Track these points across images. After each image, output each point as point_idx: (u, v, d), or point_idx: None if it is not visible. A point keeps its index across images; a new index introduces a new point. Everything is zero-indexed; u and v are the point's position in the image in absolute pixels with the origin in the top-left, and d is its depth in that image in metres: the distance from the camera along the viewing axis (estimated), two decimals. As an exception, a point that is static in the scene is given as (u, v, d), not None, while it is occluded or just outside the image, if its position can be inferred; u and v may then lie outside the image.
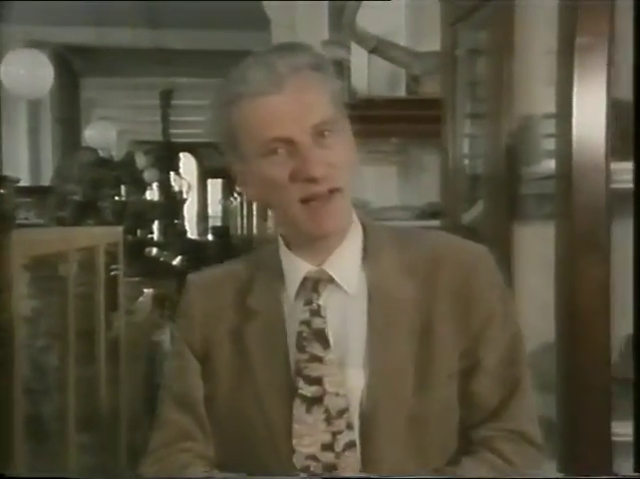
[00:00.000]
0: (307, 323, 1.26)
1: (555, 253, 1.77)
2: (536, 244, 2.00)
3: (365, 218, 1.34)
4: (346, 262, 1.28)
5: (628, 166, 1.72)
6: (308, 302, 1.27)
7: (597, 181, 1.68)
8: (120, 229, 4.27)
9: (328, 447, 1.22)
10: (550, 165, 1.81)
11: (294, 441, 1.23)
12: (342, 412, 1.23)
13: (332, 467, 1.22)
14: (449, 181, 2.53)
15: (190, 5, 8.32)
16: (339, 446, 1.22)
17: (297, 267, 1.29)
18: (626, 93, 1.85)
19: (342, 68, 3.46)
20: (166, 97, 14.15)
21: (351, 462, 1.22)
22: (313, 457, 1.22)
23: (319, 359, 1.25)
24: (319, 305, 1.27)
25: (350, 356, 1.25)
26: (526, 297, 2.06)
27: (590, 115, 1.67)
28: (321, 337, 1.26)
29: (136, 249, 8.26)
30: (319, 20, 3.86)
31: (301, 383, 1.24)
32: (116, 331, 3.69)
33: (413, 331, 1.24)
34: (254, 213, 9.25)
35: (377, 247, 1.29)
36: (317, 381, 1.24)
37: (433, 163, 3.18)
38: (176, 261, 11.96)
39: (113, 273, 3.81)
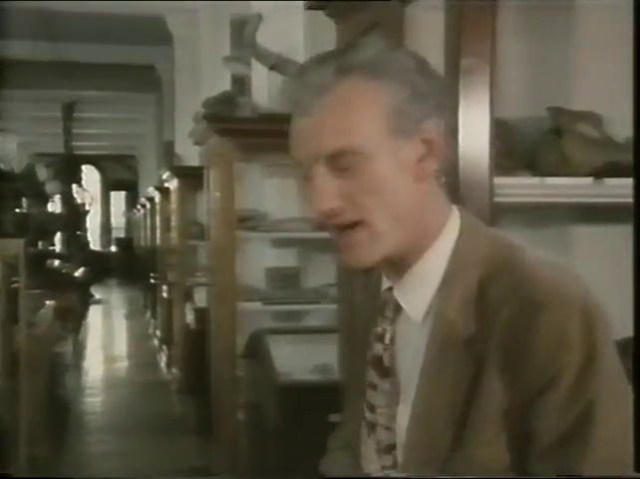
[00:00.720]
0: (370, 347, 1.19)
1: (444, 263, 1.85)
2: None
3: (472, 227, 1.14)
4: (418, 287, 1.12)
5: (511, 181, 1.83)
6: (376, 324, 1.19)
7: (482, 195, 1.76)
8: (21, 241, 4.21)
9: None
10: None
11: (362, 462, 1.20)
12: (390, 448, 1.15)
13: None
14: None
15: (93, 18, 8.23)
16: None
17: (381, 284, 1.20)
18: (509, 112, 1.97)
19: (243, 84, 3.51)
20: (69, 109, 13.92)
21: None
22: None
23: (374, 387, 1.17)
24: (384, 329, 1.17)
25: (405, 391, 1.14)
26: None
27: (474, 133, 1.74)
28: (377, 364, 1.17)
29: (37, 261, 8.09)
30: (221, 36, 3.90)
31: (365, 406, 1.19)
32: (17, 344, 3.62)
33: (462, 379, 1.06)
34: (158, 224, 9.17)
35: (461, 273, 1.09)
36: (372, 409, 1.17)
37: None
38: (79, 273, 11.75)
39: (13, 286, 3.75)
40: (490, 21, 1.72)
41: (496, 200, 1.78)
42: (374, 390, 1.17)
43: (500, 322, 1.03)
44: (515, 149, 1.94)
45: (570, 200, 1.92)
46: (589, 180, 1.84)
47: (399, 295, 1.14)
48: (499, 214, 1.78)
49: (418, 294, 1.12)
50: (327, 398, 2.96)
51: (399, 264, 1.12)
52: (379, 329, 1.17)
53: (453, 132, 1.75)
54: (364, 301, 1.28)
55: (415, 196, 1.08)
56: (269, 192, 4.31)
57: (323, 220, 1.08)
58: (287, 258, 4.38)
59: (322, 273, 4.15)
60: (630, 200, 1.90)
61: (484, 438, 1.04)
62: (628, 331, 1.64)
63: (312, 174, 1.07)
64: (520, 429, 1.02)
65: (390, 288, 1.16)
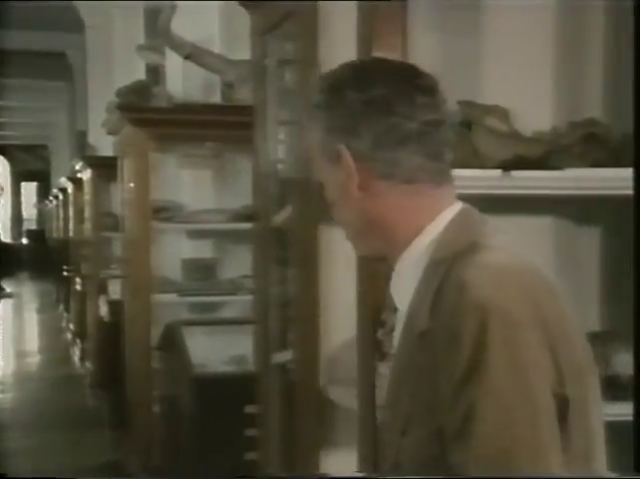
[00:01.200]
0: (375, 332, 1.32)
1: (356, 255, 1.87)
2: (342, 246, 2.09)
3: (459, 225, 1.20)
4: (401, 279, 1.22)
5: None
6: (381, 312, 1.34)
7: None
8: None
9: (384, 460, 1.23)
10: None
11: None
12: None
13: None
14: (260, 184, 2.60)
15: (2, 5, 7.97)
16: (385, 466, 1.21)
17: None
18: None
19: (158, 73, 3.47)
20: (-23, 98, 13.46)
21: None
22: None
23: (374, 369, 1.31)
24: (386, 316, 1.32)
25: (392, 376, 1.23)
26: (331, 296, 2.17)
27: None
28: (377, 349, 1.34)
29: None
30: (135, 24, 3.84)
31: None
32: None
33: (411, 374, 1.15)
34: (71, 215, 8.98)
35: (431, 269, 1.17)
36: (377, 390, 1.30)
37: (247, 167, 3.24)
38: (-11, 266, 11.42)
39: None
40: (402, 15, 1.74)
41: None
42: (374, 372, 1.32)
43: (441, 322, 1.10)
44: (427, 141, 1.97)
45: (479, 191, 1.96)
46: (498, 172, 1.89)
47: (391, 286, 1.25)
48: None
49: (402, 287, 1.21)
50: (243, 389, 2.98)
51: (390, 259, 1.23)
52: (382, 316, 1.33)
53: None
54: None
55: (368, 205, 1.20)
56: (185, 183, 4.27)
57: None
58: (203, 250, 4.35)
59: (238, 265, 4.14)
60: (537, 192, 1.96)
61: (424, 429, 1.11)
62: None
63: None
64: (448, 421, 1.08)
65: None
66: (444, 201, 1.23)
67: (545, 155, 1.94)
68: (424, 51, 2.01)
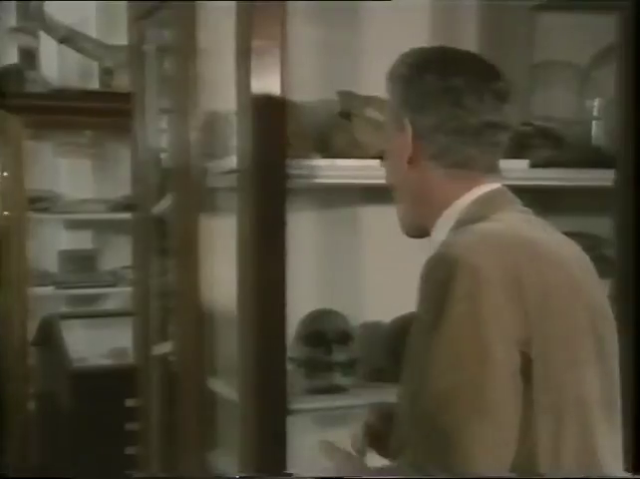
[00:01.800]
0: None
1: (237, 245, 1.86)
2: (224, 236, 2.07)
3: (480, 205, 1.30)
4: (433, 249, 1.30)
5: (304, 162, 1.86)
6: None
7: (275, 176, 1.78)
8: None
9: None
10: (234, 159, 1.90)
11: None
12: None
13: None
14: (139, 174, 2.55)
15: None
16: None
17: None
18: (300, 95, 2.00)
19: (32, 57, 3.34)
20: None
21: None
22: None
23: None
24: None
25: None
26: (214, 287, 2.15)
27: (268, 114, 1.76)
28: None
29: None
30: (6, 5, 3.67)
31: None
32: None
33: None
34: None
35: None
36: None
37: (127, 156, 3.17)
38: None
39: None
40: (281, 5, 1.73)
41: (294, 181, 1.81)
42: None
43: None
44: (306, 131, 1.98)
45: (359, 181, 1.99)
46: (376, 162, 1.91)
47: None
48: (294, 194, 1.81)
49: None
50: (123, 383, 2.92)
51: (428, 228, 1.35)
52: None
53: (246, 112, 1.77)
54: None
55: (411, 174, 1.33)
56: (62, 172, 4.13)
57: None
58: (82, 241, 4.23)
59: (119, 256, 4.04)
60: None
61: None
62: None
63: None
64: None
65: None
66: (480, 182, 1.32)
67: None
68: (304, 41, 2.02)
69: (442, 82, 1.29)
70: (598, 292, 1.29)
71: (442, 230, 1.32)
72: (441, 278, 1.16)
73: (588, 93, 2.15)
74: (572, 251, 1.29)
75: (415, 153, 1.32)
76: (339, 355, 1.95)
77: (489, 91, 1.29)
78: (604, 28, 2.01)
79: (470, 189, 1.32)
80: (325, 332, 1.97)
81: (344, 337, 1.98)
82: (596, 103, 2.10)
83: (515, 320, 1.13)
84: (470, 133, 1.29)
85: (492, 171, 1.33)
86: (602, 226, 2.07)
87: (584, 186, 2.04)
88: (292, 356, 1.88)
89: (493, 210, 1.29)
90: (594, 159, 2.08)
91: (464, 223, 1.28)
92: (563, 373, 1.16)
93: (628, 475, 1.16)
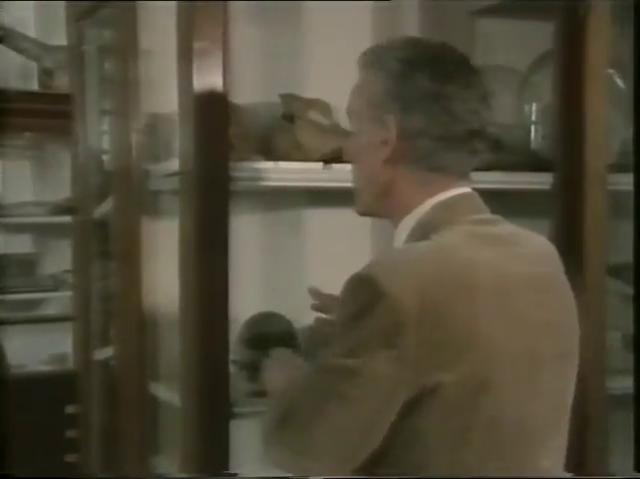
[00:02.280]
0: None
1: (179, 248, 1.84)
2: (166, 239, 2.05)
3: (447, 209, 1.30)
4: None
5: (246, 165, 1.85)
6: None
7: (218, 178, 1.77)
8: None
9: None
10: (177, 162, 1.88)
11: None
12: None
13: None
14: (80, 176, 2.51)
15: None
16: None
17: None
18: (243, 97, 1.99)
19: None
20: None
21: None
22: None
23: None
24: None
25: None
26: (156, 291, 2.13)
27: (210, 115, 1.75)
28: None
29: None
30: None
31: None
32: None
33: None
34: None
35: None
36: None
37: (68, 158, 3.12)
38: None
39: None
40: (222, 6, 1.72)
41: (241, 184, 1.81)
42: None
43: None
44: (249, 133, 1.97)
45: (302, 184, 1.99)
46: (319, 165, 1.91)
47: None
48: (237, 197, 1.80)
49: None
50: (63, 389, 2.87)
51: (391, 222, 1.35)
52: None
53: (188, 114, 1.76)
54: None
55: (383, 173, 1.30)
56: (1, 175, 4.05)
57: None
58: (22, 245, 4.15)
59: (60, 260, 3.98)
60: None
61: None
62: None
63: None
64: None
65: None
66: (449, 187, 1.30)
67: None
68: (246, 43, 2.01)
69: (436, 85, 1.25)
70: (556, 308, 1.27)
71: (400, 236, 1.31)
72: (357, 305, 1.14)
73: (527, 97, 2.18)
74: (526, 268, 1.24)
75: (394, 153, 1.27)
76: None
77: (476, 97, 1.28)
78: (542, 34, 2.05)
79: (436, 193, 1.29)
80: (268, 335, 1.96)
81: (287, 340, 1.98)
82: (534, 107, 2.14)
83: (420, 360, 1.11)
84: (455, 139, 1.26)
85: (464, 176, 1.32)
86: (541, 228, 2.11)
87: (523, 189, 2.08)
88: (235, 359, 1.87)
89: (448, 219, 1.26)
90: (533, 162, 2.11)
91: (416, 233, 1.27)
92: (476, 398, 1.14)
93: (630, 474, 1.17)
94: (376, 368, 1.11)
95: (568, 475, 1.14)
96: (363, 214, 1.40)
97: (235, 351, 1.89)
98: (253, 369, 1.71)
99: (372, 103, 1.29)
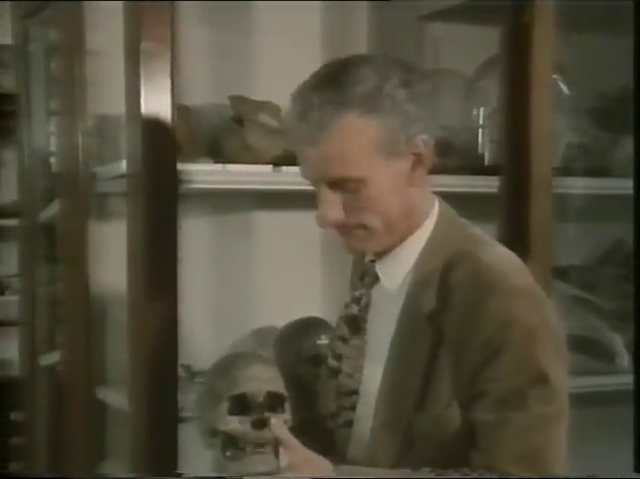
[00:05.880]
0: (346, 307, 1.39)
1: (127, 251, 1.82)
2: (113, 243, 2.03)
3: (447, 220, 1.32)
4: (396, 264, 1.32)
5: (194, 167, 1.84)
6: (354, 289, 1.40)
7: (166, 181, 1.76)
8: None
9: (331, 417, 1.36)
10: (124, 164, 1.86)
11: (319, 400, 1.39)
12: (351, 393, 1.34)
13: (330, 436, 1.35)
14: (26, 178, 2.47)
15: None
16: (340, 421, 1.34)
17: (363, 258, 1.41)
18: (191, 99, 1.98)
19: None
20: None
21: (344, 439, 1.34)
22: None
23: (344, 340, 1.37)
24: (361, 294, 1.37)
25: (375, 349, 1.32)
26: (104, 295, 2.11)
27: (158, 117, 1.74)
28: (351, 322, 1.37)
29: None
30: None
31: (330, 354, 1.40)
32: None
33: (424, 351, 1.24)
34: None
35: (431, 257, 1.29)
36: (338, 358, 1.37)
37: (13, 160, 3.07)
38: None
39: None
40: (169, 7, 1.71)
41: (191, 187, 1.79)
42: (343, 343, 1.38)
43: (457, 302, 1.22)
44: (198, 135, 1.96)
45: (251, 186, 1.98)
46: (269, 167, 1.91)
47: (380, 269, 1.34)
48: (186, 199, 1.79)
49: (395, 271, 1.32)
50: (8, 395, 2.82)
51: (387, 248, 1.32)
52: (357, 293, 1.38)
53: (135, 115, 1.74)
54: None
55: (406, 199, 1.27)
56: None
57: (329, 228, 1.27)
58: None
59: (5, 263, 3.91)
60: (307, 187, 2.00)
61: (442, 402, 1.22)
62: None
63: (321, 193, 1.25)
64: (469, 392, 1.20)
65: (373, 260, 1.36)
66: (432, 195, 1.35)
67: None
68: (194, 43, 2.00)
69: (429, 89, 1.26)
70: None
71: (413, 246, 1.30)
72: (515, 311, 1.19)
73: (474, 102, 2.20)
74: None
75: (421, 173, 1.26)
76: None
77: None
78: (489, 39, 2.07)
79: (433, 203, 1.33)
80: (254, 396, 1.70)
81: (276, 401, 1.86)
82: (482, 111, 2.17)
83: None
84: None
85: None
86: (488, 232, 2.13)
87: (470, 192, 2.10)
88: (183, 364, 1.86)
89: (460, 225, 1.33)
90: (480, 166, 2.14)
91: (442, 243, 1.29)
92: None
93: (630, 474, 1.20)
94: None
95: (563, 475, 1.18)
96: (379, 249, 1.33)
97: (207, 416, 1.32)
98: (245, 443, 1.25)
99: (382, 137, 1.21)
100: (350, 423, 1.34)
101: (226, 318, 2.20)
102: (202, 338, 2.09)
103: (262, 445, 1.21)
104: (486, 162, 2.16)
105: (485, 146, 2.16)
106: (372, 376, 1.31)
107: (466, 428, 1.21)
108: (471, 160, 2.14)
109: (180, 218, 1.76)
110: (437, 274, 1.26)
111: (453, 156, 2.10)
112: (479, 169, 2.12)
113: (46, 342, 2.45)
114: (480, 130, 2.17)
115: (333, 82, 1.21)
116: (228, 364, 1.33)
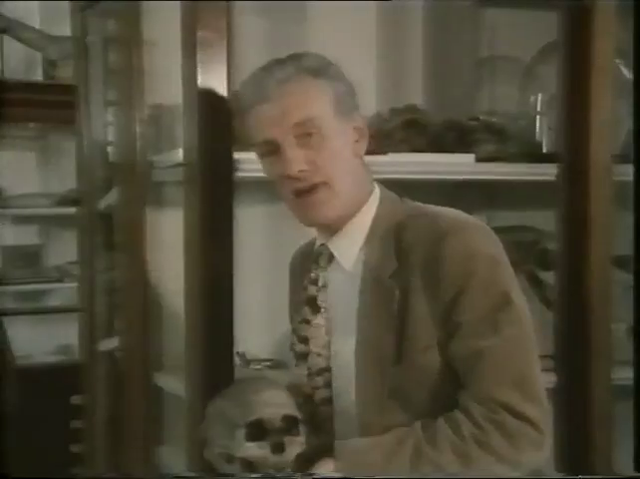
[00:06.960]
0: (305, 289, 1.47)
1: (184, 239, 1.84)
2: (169, 230, 2.05)
3: (389, 198, 1.44)
4: (349, 241, 1.42)
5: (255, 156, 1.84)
6: (310, 271, 1.47)
7: (222, 169, 1.77)
8: None
9: (308, 399, 1.42)
10: (181, 153, 1.88)
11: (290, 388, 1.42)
12: (322, 371, 1.42)
13: (312, 416, 1.40)
14: (84, 167, 2.51)
15: None
16: (317, 400, 1.42)
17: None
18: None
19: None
20: None
21: (325, 415, 1.41)
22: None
23: (308, 322, 1.45)
24: (317, 275, 1.46)
25: (340, 324, 1.41)
26: (161, 282, 2.14)
27: (214, 107, 1.75)
28: (312, 303, 1.45)
29: None
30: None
31: (295, 340, 1.47)
32: None
33: (394, 308, 1.34)
34: None
35: (381, 230, 1.40)
36: (305, 341, 1.45)
37: (73, 149, 3.12)
38: None
39: None
40: (226, -3, 1.72)
41: (242, 175, 1.80)
42: (308, 324, 1.45)
43: (417, 254, 1.34)
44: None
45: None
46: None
47: (333, 249, 1.44)
48: (241, 188, 1.80)
49: (350, 246, 1.42)
50: (69, 380, 2.88)
51: (334, 226, 1.42)
52: (313, 275, 1.47)
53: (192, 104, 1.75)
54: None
55: (355, 167, 1.41)
56: (5, 165, 4.05)
57: (294, 184, 1.36)
58: (27, 236, 4.15)
59: (65, 251, 3.99)
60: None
61: (421, 345, 1.32)
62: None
63: (282, 146, 1.35)
64: (444, 330, 1.31)
65: (323, 244, 1.46)
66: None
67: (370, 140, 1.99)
68: (250, 34, 2.01)
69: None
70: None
71: (360, 223, 1.41)
72: (474, 244, 1.32)
73: (532, 88, 2.17)
74: None
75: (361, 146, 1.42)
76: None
77: None
78: (547, 25, 2.04)
79: (374, 185, 1.46)
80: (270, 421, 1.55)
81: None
82: (539, 98, 2.13)
83: None
84: None
85: None
86: (546, 219, 2.10)
87: (528, 180, 2.07)
88: (238, 352, 1.87)
89: (402, 200, 1.45)
90: (537, 153, 2.11)
91: (389, 217, 1.41)
92: None
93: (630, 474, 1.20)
94: None
95: (560, 475, 1.18)
96: (337, 218, 1.43)
97: (226, 443, 1.33)
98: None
99: (335, 104, 1.37)
100: (328, 400, 1.42)
101: (281, 307, 2.20)
102: (257, 326, 2.10)
103: (282, 469, 1.24)
104: (544, 149, 2.12)
105: (543, 133, 2.13)
106: (341, 350, 1.40)
107: (449, 374, 1.31)
108: (528, 147, 2.11)
109: (236, 206, 1.77)
110: (391, 239, 1.38)
111: (510, 143, 2.08)
112: (536, 156, 2.09)
113: (105, 328, 2.49)
114: (538, 117, 2.14)
115: (293, 57, 1.40)
116: (240, 391, 1.34)
